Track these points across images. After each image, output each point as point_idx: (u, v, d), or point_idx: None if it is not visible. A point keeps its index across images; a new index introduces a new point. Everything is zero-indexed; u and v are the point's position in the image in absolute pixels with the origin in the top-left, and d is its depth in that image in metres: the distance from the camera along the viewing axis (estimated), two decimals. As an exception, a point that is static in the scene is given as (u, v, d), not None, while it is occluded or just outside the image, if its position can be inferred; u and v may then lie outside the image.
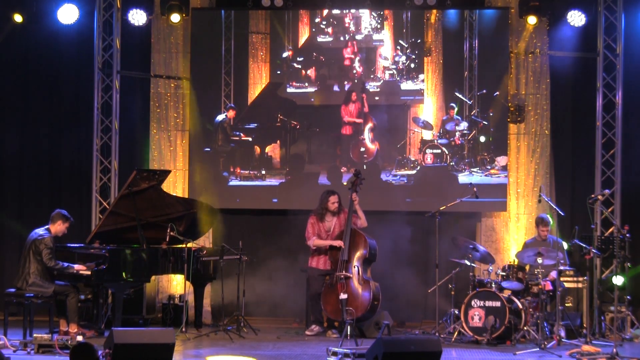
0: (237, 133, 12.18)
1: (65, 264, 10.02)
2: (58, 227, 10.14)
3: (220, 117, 12.19)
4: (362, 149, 12.10)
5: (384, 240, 11.60)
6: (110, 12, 12.12)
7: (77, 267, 10.04)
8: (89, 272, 9.99)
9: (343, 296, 10.40)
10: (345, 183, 10.87)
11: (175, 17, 12.01)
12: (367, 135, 12.09)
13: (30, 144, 12.42)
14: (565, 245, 10.95)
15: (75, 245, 10.67)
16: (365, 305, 10.48)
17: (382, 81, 12.14)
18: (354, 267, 10.61)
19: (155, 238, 10.56)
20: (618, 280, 10.18)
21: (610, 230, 11.41)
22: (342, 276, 10.55)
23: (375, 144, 12.08)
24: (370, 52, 12.21)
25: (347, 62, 12.21)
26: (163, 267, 10.45)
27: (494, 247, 11.92)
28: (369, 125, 12.09)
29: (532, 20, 11.79)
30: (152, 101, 12.33)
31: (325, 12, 12.24)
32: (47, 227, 10.11)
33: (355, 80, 12.13)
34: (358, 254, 10.66)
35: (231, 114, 12.20)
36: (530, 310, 10.23)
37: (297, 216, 11.40)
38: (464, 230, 11.98)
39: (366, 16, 12.22)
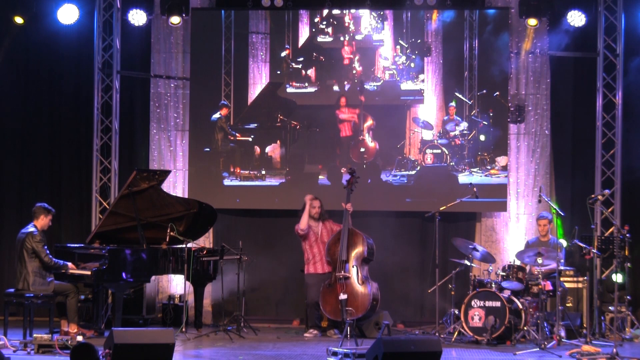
0: (234, 133, 12.17)
1: (61, 262, 10.05)
2: (42, 221, 10.13)
3: (215, 116, 12.18)
4: (362, 149, 12.09)
5: (384, 241, 11.61)
6: (110, 12, 12.12)
7: (70, 265, 10.08)
8: (88, 272, 10.00)
9: (343, 296, 10.41)
10: (344, 183, 10.88)
11: (175, 17, 12.01)
12: (366, 135, 12.09)
13: (31, 144, 12.42)
14: (564, 243, 11.00)
15: (75, 245, 10.69)
16: (365, 305, 10.48)
17: (382, 81, 12.14)
18: (353, 267, 10.62)
19: (155, 238, 10.56)
20: (618, 277, 10.21)
21: (610, 230, 11.41)
22: (342, 276, 10.55)
23: (375, 144, 12.08)
24: (370, 52, 12.21)
25: (346, 62, 12.21)
26: (163, 267, 10.46)
27: (494, 247, 11.92)
28: (368, 124, 12.09)
29: (532, 20, 11.79)
30: (152, 101, 12.33)
31: (325, 12, 12.24)
32: (32, 224, 10.09)
33: (356, 80, 12.13)
34: (357, 254, 10.66)
35: (224, 111, 12.19)
36: (530, 310, 10.24)
37: (297, 216, 11.38)
38: (463, 230, 12.00)
39: (366, 16, 12.22)
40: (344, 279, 10.56)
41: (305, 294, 10.96)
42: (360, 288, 10.57)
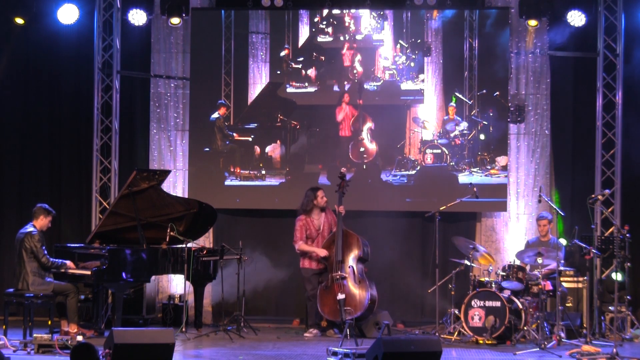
0: (231, 133, 12.17)
1: (60, 261, 10.05)
2: (41, 222, 10.14)
3: (213, 116, 12.18)
4: (362, 149, 12.09)
5: (383, 241, 11.62)
6: (110, 12, 12.12)
7: (69, 263, 10.08)
8: (88, 272, 10.00)
9: (341, 296, 10.43)
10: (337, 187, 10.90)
11: (175, 17, 12.00)
12: (366, 135, 12.09)
13: (31, 144, 12.42)
14: (564, 242, 11.00)
15: (75, 245, 10.69)
16: (363, 305, 10.49)
17: (382, 81, 12.14)
18: (349, 267, 10.63)
19: (155, 238, 10.56)
20: (618, 277, 10.22)
21: (610, 230, 11.40)
22: (338, 276, 10.56)
23: (374, 144, 12.08)
24: (370, 52, 12.21)
25: (346, 62, 12.21)
26: (163, 267, 10.45)
27: (494, 247, 11.92)
28: (368, 125, 12.09)
29: (532, 20, 11.78)
30: (152, 101, 12.33)
31: (325, 12, 12.24)
32: (31, 224, 10.10)
33: (356, 80, 12.13)
34: (352, 255, 10.68)
35: (222, 111, 12.18)
36: (530, 310, 10.24)
37: (295, 215, 11.38)
38: (463, 230, 11.99)
39: (366, 16, 12.21)
40: (341, 279, 10.56)
41: (304, 288, 10.95)
42: (357, 288, 10.57)
